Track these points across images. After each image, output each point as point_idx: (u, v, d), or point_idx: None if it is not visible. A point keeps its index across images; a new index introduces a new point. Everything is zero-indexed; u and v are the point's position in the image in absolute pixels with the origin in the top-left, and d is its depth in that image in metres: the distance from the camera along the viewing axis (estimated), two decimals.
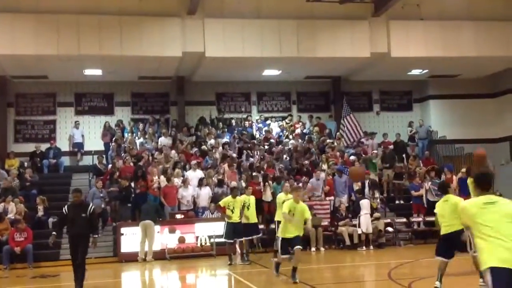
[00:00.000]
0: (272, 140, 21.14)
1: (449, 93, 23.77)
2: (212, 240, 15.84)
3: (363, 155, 20.30)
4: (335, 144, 20.68)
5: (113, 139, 20.29)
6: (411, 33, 19.96)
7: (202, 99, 22.73)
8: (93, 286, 11.45)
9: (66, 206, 10.14)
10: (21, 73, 20.09)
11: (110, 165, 18.73)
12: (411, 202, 18.64)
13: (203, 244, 15.98)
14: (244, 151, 19.99)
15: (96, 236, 10.23)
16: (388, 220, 17.67)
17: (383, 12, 19.64)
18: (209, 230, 16.00)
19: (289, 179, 17.42)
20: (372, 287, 11.50)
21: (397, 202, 19.68)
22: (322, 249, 16.49)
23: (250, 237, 14.28)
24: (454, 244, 8.66)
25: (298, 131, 21.87)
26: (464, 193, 13.59)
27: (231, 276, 12.59)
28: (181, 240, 15.85)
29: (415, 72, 22.45)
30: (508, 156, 22.88)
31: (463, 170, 15.40)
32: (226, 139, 20.80)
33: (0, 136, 20.87)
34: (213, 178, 17.89)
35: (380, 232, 16.94)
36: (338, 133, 21.48)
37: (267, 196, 17.21)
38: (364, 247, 16.40)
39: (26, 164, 19.51)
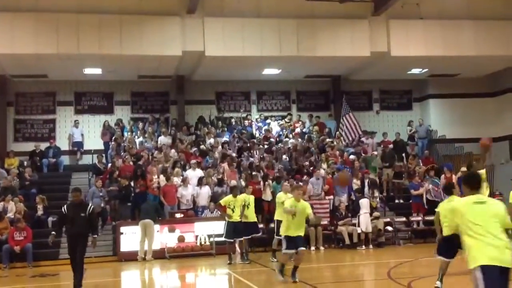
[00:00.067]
0: (271, 139, 21.14)
1: (449, 92, 23.77)
2: (211, 239, 15.84)
3: (363, 154, 20.31)
4: (335, 143, 20.68)
5: (113, 138, 20.28)
6: (411, 32, 19.95)
7: (202, 98, 22.73)
8: (93, 285, 11.45)
9: (65, 206, 10.16)
10: (21, 72, 20.08)
11: (109, 164, 18.73)
12: (411, 201, 18.64)
13: (202, 243, 15.98)
14: (245, 151, 19.98)
15: (96, 236, 10.22)
16: (388, 219, 17.67)
17: (383, 11, 19.63)
18: (208, 229, 16.00)
19: (289, 178, 17.42)
20: (371, 286, 11.50)
21: (396, 201, 19.69)
22: (321, 248, 16.51)
23: (249, 236, 14.26)
24: (456, 244, 8.66)
25: (297, 130, 21.88)
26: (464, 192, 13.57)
27: (230, 275, 12.60)
28: (181, 239, 15.85)
29: (415, 71, 22.45)
30: (508, 155, 22.88)
31: (463, 169, 15.39)
32: (225, 138, 20.81)
33: (0, 135, 20.87)
34: (213, 178, 17.89)
35: (380, 231, 16.94)
36: (337, 132, 21.49)
37: (267, 196, 17.22)
38: (363, 246, 16.41)
39: (25, 163, 19.51)
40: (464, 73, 22.84)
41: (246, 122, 22.18)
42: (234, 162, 18.57)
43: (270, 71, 21.62)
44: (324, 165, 19.05)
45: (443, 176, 18.48)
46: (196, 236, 16.08)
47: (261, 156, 19.56)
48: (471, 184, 5.15)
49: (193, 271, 14.32)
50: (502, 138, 23.13)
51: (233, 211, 13.67)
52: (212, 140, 20.27)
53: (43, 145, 20.48)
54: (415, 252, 15.10)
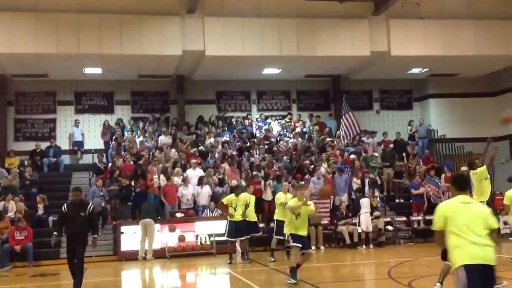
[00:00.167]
0: (272, 139, 21.14)
1: (449, 92, 23.76)
2: (212, 238, 15.85)
3: (363, 154, 20.32)
4: (335, 143, 20.68)
5: (113, 137, 20.29)
6: (411, 32, 19.95)
7: (202, 97, 22.74)
8: (93, 285, 11.47)
9: (65, 204, 10.12)
10: (21, 71, 20.09)
11: (110, 164, 18.74)
12: (411, 200, 18.64)
13: (203, 242, 15.98)
14: (245, 150, 19.99)
15: (96, 235, 10.21)
16: (388, 219, 17.68)
17: (383, 11, 19.63)
18: (209, 229, 16.01)
19: (290, 178, 17.43)
20: (372, 286, 11.50)
21: (397, 200, 19.71)
22: (322, 247, 16.52)
23: (249, 236, 14.26)
24: None
25: (298, 129, 21.88)
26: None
27: (231, 274, 12.60)
28: (181, 238, 15.85)
29: (415, 70, 22.46)
30: (508, 155, 22.88)
31: (463, 169, 15.40)
32: (226, 138, 20.81)
33: (0, 134, 20.87)
34: (213, 177, 17.89)
35: (380, 230, 16.95)
36: (338, 132, 21.50)
37: (268, 195, 17.22)
38: (364, 245, 16.42)
39: (26, 162, 19.53)
40: (464, 72, 22.85)
41: (247, 122, 22.19)
42: (234, 161, 18.58)
43: (270, 71, 21.62)
44: (325, 165, 19.06)
45: (443, 175, 18.50)
46: (197, 236, 16.09)
47: (262, 156, 19.56)
48: (458, 185, 5.38)
49: (193, 270, 14.33)
50: (502, 138, 23.10)
51: (235, 210, 13.69)
52: (212, 140, 20.27)
53: (44, 145, 20.48)
54: (416, 252, 15.11)
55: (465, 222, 5.01)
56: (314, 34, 19.39)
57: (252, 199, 14.27)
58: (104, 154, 19.67)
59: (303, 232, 10.27)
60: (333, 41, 19.45)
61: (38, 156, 19.96)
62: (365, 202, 16.79)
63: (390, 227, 17.41)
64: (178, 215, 16.65)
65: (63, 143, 21.24)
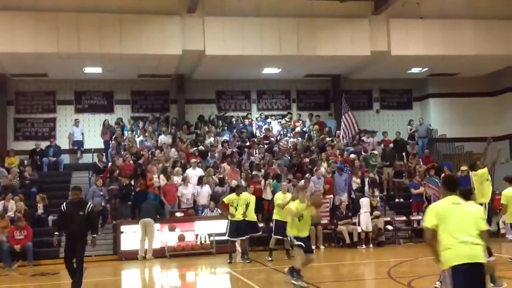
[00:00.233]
0: (272, 139, 21.14)
1: (449, 91, 23.77)
2: (212, 238, 15.85)
3: (363, 153, 20.31)
4: (335, 142, 20.69)
5: (113, 137, 20.29)
6: (411, 32, 19.95)
7: (202, 97, 22.74)
8: (93, 284, 11.47)
9: (64, 204, 10.10)
10: (21, 71, 20.09)
11: (110, 163, 18.74)
12: (411, 200, 18.64)
13: (203, 242, 15.98)
14: (245, 149, 19.99)
15: (95, 235, 10.20)
16: (388, 219, 17.69)
17: (383, 10, 19.63)
18: (209, 228, 16.00)
19: (289, 176, 17.41)
20: (371, 286, 11.51)
21: (397, 200, 19.72)
22: (322, 247, 16.52)
23: (249, 235, 14.26)
24: None
25: (298, 129, 21.88)
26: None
27: (231, 274, 12.60)
28: (181, 238, 15.86)
29: (415, 70, 22.46)
30: (508, 155, 22.88)
31: (463, 168, 15.40)
32: (225, 137, 20.81)
33: (0, 134, 20.87)
34: (213, 177, 17.89)
35: (380, 230, 16.95)
36: (337, 131, 21.50)
37: (267, 195, 17.22)
38: (363, 245, 16.42)
39: (26, 162, 19.53)
40: (464, 72, 22.85)
41: (246, 121, 22.19)
42: (234, 160, 18.58)
43: (270, 70, 21.62)
44: (325, 164, 19.05)
45: (443, 175, 18.45)
46: (197, 235, 16.08)
47: (262, 156, 19.56)
48: (449, 186, 5.55)
49: (193, 270, 14.33)
50: (502, 138, 23.13)
51: (236, 210, 13.69)
52: (212, 139, 20.27)
53: (44, 144, 20.48)
54: (415, 251, 15.11)
55: (456, 222, 5.14)
56: (314, 33, 19.38)
57: (252, 199, 14.28)
58: (104, 154, 19.66)
59: (305, 234, 10.25)
60: (333, 41, 19.45)
61: (38, 156, 19.96)
62: (365, 202, 16.79)
63: (390, 227, 17.42)
64: (178, 214, 16.64)
65: (63, 142, 21.25)
